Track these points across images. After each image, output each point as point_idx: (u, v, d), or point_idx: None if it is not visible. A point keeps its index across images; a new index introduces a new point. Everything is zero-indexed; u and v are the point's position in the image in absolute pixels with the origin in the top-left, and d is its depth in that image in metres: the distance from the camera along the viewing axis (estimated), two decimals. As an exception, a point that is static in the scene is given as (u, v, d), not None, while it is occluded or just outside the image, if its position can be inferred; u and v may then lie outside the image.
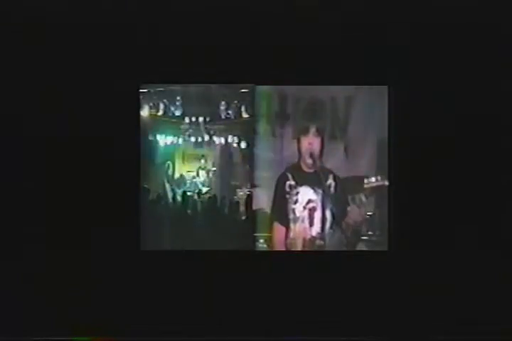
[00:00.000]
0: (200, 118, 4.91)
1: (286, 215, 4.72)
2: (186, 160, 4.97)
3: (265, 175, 4.75)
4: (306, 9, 4.63)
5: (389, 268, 4.61)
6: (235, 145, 4.91)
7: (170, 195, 4.87)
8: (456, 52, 4.66)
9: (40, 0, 4.64)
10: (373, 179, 4.68)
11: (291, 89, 4.76)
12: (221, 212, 4.83)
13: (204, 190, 4.92)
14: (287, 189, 4.72)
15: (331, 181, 4.72)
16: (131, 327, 4.55)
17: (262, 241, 4.73)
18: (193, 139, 4.94)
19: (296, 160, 4.76)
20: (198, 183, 4.95)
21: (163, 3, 4.65)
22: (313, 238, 4.71)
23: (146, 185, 4.76)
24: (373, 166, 4.70)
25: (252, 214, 4.74)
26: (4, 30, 4.62)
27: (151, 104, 4.85)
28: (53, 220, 4.60)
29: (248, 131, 4.83)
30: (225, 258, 4.62)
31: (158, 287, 4.60)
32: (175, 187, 4.90)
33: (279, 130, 4.78)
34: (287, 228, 4.72)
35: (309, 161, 4.74)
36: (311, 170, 4.74)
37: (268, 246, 4.73)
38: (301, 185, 4.72)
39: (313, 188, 4.72)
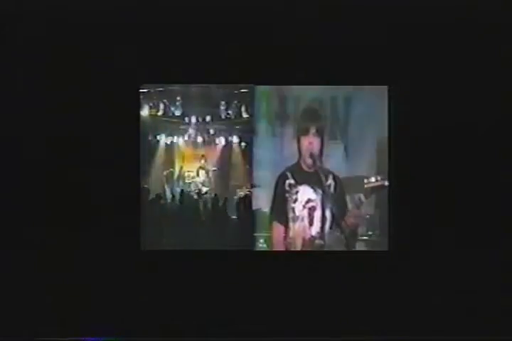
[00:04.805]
0: (200, 118, 4.91)
1: (286, 214, 4.72)
2: (186, 160, 4.97)
3: (265, 175, 4.75)
4: (306, 9, 4.64)
5: (389, 268, 4.61)
6: (235, 145, 4.91)
7: (170, 195, 4.87)
8: (456, 52, 4.66)
9: None
10: (373, 179, 4.67)
11: (291, 89, 4.76)
12: (221, 212, 4.83)
13: (204, 190, 4.92)
14: (287, 188, 4.72)
15: (330, 181, 4.72)
16: (131, 327, 4.55)
17: (261, 241, 4.73)
18: (193, 139, 4.94)
19: (296, 159, 4.76)
20: (198, 183, 4.95)
21: (163, 3, 4.65)
22: (313, 237, 4.70)
23: (146, 185, 4.77)
24: (373, 166, 4.70)
25: (251, 214, 4.74)
26: (3, 30, 4.63)
27: (151, 104, 4.86)
28: (53, 220, 4.60)
29: (248, 131, 4.83)
30: (225, 258, 4.62)
31: (158, 287, 4.60)
32: (175, 187, 4.90)
33: (279, 130, 4.78)
34: (286, 227, 4.72)
35: (309, 161, 4.73)
36: (311, 170, 4.73)
37: (268, 246, 4.73)
38: (300, 184, 4.72)
39: (312, 188, 4.72)
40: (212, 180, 4.95)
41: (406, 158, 4.64)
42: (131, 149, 4.67)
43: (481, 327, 4.55)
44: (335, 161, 4.73)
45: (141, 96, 4.76)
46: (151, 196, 4.80)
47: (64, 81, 4.64)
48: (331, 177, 4.72)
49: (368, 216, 4.71)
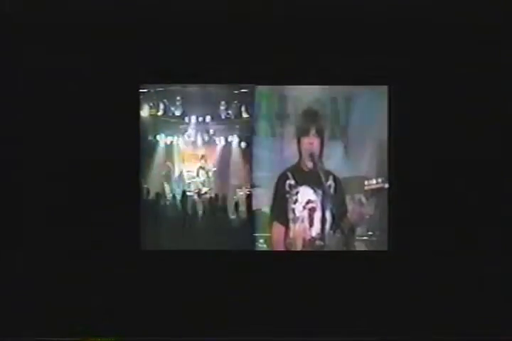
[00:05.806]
0: (200, 118, 4.91)
1: (286, 215, 4.72)
2: (186, 160, 4.97)
3: (265, 175, 4.75)
4: (306, 9, 4.64)
5: (389, 268, 4.61)
6: (235, 145, 4.91)
7: (170, 195, 4.87)
8: (456, 52, 4.66)
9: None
10: (373, 179, 4.68)
11: (291, 89, 4.76)
12: (221, 212, 4.83)
13: (204, 190, 4.92)
14: (287, 188, 4.72)
15: (331, 182, 4.72)
16: (130, 327, 4.55)
17: (261, 241, 4.73)
18: (193, 139, 4.94)
19: (297, 160, 4.75)
20: (198, 183, 4.95)
21: (163, 3, 4.65)
22: (313, 238, 4.70)
23: (146, 185, 4.77)
24: (373, 167, 4.70)
25: (251, 214, 4.75)
26: (3, 30, 4.63)
27: (151, 104, 4.86)
28: (53, 220, 4.60)
29: (248, 131, 4.83)
30: (225, 258, 4.62)
31: (158, 287, 4.60)
32: (175, 187, 4.90)
33: (279, 130, 4.78)
34: (287, 228, 4.72)
35: (309, 162, 4.74)
36: (312, 171, 4.73)
37: (268, 246, 4.73)
38: (301, 185, 4.72)
39: (313, 188, 4.72)
40: (212, 180, 4.95)
41: (406, 158, 4.63)
42: (131, 149, 4.67)
43: (482, 327, 4.55)
44: (335, 161, 4.73)
45: (141, 96, 4.76)
46: (151, 196, 4.80)
47: (64, 81, 4.63)
48: (331, 177, 4.72)
49: (368, 216, 4.70)
